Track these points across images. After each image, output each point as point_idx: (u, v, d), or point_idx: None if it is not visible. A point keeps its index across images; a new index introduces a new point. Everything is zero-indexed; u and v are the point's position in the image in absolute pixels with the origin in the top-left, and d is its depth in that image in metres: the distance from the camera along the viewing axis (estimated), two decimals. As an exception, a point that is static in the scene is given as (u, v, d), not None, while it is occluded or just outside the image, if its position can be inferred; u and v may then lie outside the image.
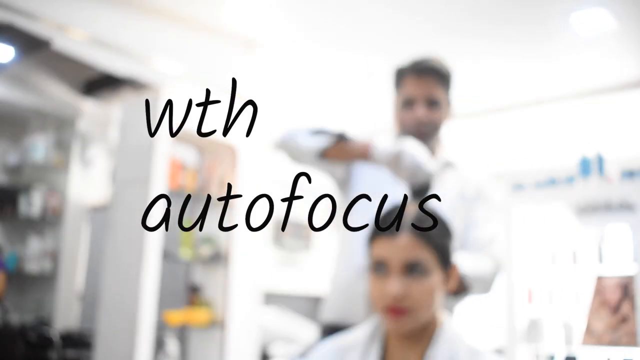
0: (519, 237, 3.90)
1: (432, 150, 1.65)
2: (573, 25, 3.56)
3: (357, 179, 1.65)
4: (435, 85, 1.60)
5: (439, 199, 1.34)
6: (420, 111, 1.59)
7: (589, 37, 3.70)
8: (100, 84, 4.85)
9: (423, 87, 1.59)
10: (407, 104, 1.61)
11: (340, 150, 1.50)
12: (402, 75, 1.63)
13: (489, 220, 1.62)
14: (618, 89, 4.34)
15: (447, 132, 1.72)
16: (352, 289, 1.51)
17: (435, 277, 1.06)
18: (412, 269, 1.04)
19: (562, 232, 3.92)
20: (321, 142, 1.51)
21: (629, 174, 3.57)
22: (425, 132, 1.62)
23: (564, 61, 4.09)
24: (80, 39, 3.37)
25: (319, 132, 1.52)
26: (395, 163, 1.38)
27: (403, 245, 1.05)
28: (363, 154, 1.46)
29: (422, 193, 1.35)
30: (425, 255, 1.05)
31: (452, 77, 1.64)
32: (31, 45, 4.06)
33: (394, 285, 1.03)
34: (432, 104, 1.60)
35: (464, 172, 1.67)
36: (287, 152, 1.59)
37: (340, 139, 1.50)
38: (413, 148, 1.38)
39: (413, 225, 1.07)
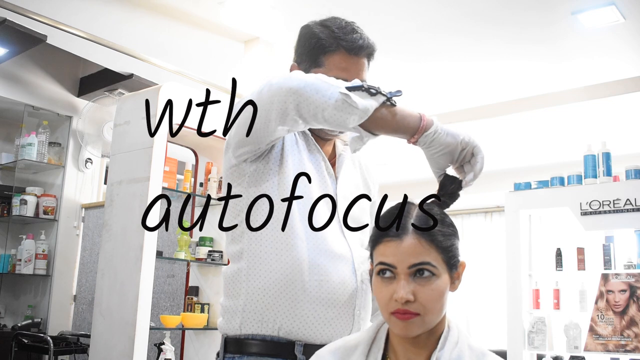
0: (524, 239, 3.86)
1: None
2: (579, 23, 3.52)
3: (289, 162, 1.34)
4: (365, 69, 1.38)
5: (439, 199, 1.13)
6: None
7: (595, 35, 3.67)
8: (96, 82, 4.81)
9: (358, 70, 1.36)
10: None
11: (388, 119, 1.15)
12: (327, 51, 1.36)
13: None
14: (624, 87, 4.31)
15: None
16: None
17: (443, 279, 1.04)
18: (419, 272, 1.02)
19: (567, 233, 3.88)
20: (370, 103, 1.13)
21: (636, 173, 3.53)
22: None
23: (570, 59, 4.06)
24: (76, 36, 3.31)
25: (356, 87, 1.13)
26: (459, 155, 1.15)
27: (409, 248, 1.02)
28: (415, 128, 1.14)
29: (451, 198, 1.15)
30: (432, 258, 1.03)
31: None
32: (26, 43, 4.01)
33: (402, 289, 1.01)
34: None
35: (362, 158, 1.55)
36: (305, 106, 1.14)
37: (391, 100, 1.15)
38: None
39: (418, 227, 1.04)
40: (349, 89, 1.13)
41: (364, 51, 1.38)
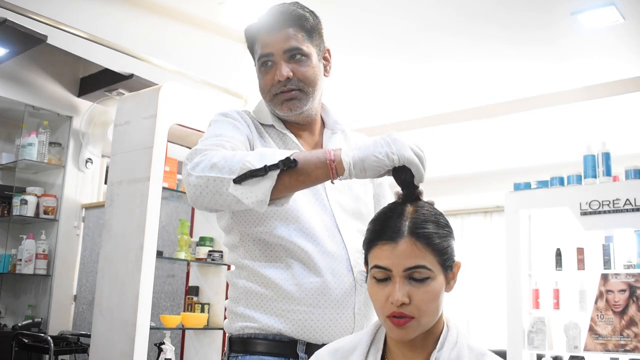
0: (524, 239, 3.86)
1: (314, 118, 1.44)
2: (579, 23, 3.52)
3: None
4: (291, 37, 1.34)
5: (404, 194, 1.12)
6: (282, 69, 1.33)
7: (595, 35, 3.67)
8: (96, 82, 4.81)
9: (277, 40, 1.34)
10: (264, 66, 1.36)
11: (294, 182, 1.14)
12: (253, 36, 1.38)
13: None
14: (624, 88, 4.31)
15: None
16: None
17: (438, 281, 1.04)
18: (414, 274, 1.02)
19: (567, 233, 3.88)
20: (264, 185, 1.12)
21: (635, 173, 3.53)
22: (296, 96, 1.35)
23: (570, 59, 4.06)
24: (76, 37, 3.31)
25: (244, 177, 1.12)
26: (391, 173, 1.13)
27: (405, 251, 1.02)
28: (327, 175, 1.13)
29: (409, 187, 1.11)
30: (428, 260, 1.03)
31: (312, 21, 1.39)
32: (26, 43, 4.00)
33: (398, 292, 1.01)
34: (294, 57, 1.34)
35: (353, 137, 1.53)
36: (212, 206, 1.19)
37: (290, 164, 1.12)
38: (417, 152, 1.12)
39: (413, 229, 1.04)
40: (238, 180, 1.12)
41: (277, 23, 1.36)
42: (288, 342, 1.28)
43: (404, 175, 1.11)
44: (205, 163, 1.17)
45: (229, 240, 1.39)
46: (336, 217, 1.36)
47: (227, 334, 1.37)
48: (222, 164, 1.15)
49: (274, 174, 1.11)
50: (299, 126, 1.44)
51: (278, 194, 1.14)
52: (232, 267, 1.39)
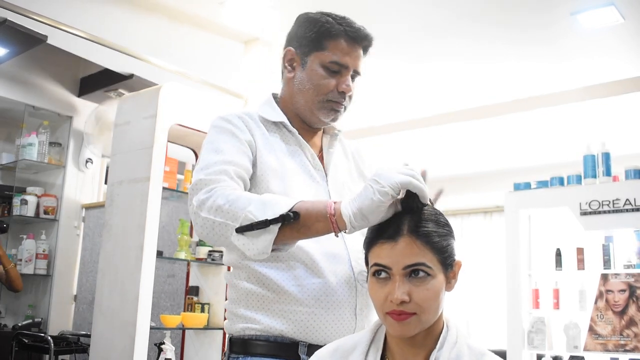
0: (524, 239, 3.86)
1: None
2: (579, 23, 3.52)
3: (264, 168, 1.36)
4: (361, 58, 1.42)
5: (432, 202, 1.11)
6: (348, 81, 1.39)
7: (594, 36, 3.67)
8: (96, 82, 4.81)
9: (355, 58, 1.40)
10: (331, 70, 1.38)
11: (295, 235, 1.15)
12: (331, 35, 1.38)
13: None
14: (624, 88, 4.31)
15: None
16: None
17: (438, 279, 1.04)
18: (414, 273, 1.03)
19: (567, 233, 3.88)
20: (265, 239, 1.13)
21: (635, 173, 3.53)
22: (343, 107, 1.42)
23: (570, 60, 4.06)
24: (76, 37, 3.31)
25: (246, 228, 1.14)
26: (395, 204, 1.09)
27: (404, 249, 1.03)
28: (328, 229, 1.13)
29: (419, 211, 1.08)
30: (427, 258, 1.03)
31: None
32: (27, 43, 4.01)
33: (398, 290, 1.01)
34: (354, 77, 1.42)
35: (347, 140, 1.57)
36: (209, 239, 1.22)
37: (290, 219, 1.12)
38: (418, 176, 1.08)
39: (412, 228, 1.04)
40: (240, 230, 1.14)
41: (364, 41, 1.41)
42: (289, 343, 1.28)
43: (413, 202, 1.08)
44: (210, 203, 1.19)
45: (230, 258, 1.38)
46: None
47: (227, 335, 1.36)
48: (227, 208, 1.17)
49: (275, 228, 1.12)
50: (307, 128, 1.46)
51: (279, 243, 1.15)
52: (232, 269, 1.38)
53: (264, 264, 1.30)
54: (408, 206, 1.08)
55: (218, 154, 1.30)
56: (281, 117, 1.42)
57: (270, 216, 1.12)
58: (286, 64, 1.44)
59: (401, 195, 1.09)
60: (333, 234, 1.14)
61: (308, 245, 1.29)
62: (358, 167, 1.54)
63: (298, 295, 1.28)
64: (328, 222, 1.12)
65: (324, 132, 1.51)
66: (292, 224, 1.13)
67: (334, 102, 1.40)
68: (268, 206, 1.14)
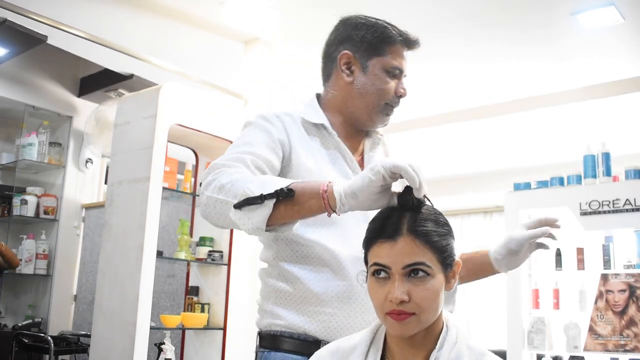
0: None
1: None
2: (578, 23, 3.52)
3: (298, 168, 1.37)
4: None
5: (429, 200, 1.10)
6: (404, 85, 1.47)
7: (594, 36, 3.67)
8: (96, 82, 4.81)
9: (406, 62, 1.47)
10: (391, 74, 1.44)
11: (289, 212, 1.15)
12: (391, 41, 1.43)
13: None
14: (624, 88, 4.31)
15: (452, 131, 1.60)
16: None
17: (438, 279, 1.04)
18: (413, 272, 1.02)
19: (567, 233, 3.87)
20: (260, 213, 1.13)
21: (635, 173, 3.53)
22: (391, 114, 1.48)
23: (570, 60, 4.06)
24: (76, 37, 3.31)
25: (243, 203, 1.14)
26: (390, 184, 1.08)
27: (404, 249, 1.02)
28: (321, 207, 1.12)
29: (418, 209, 1.08)
30: (427, 258, 1.03)
31: None
32: (27, 43, 4.01)
33: (397, 290, 1.01)
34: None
35: (386, 142, 1.60)
36: (219, 224, 1.24)
37: (285, 194, 1.13)
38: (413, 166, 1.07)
39: (412, 227, 1.04)
40: (238, 205, 1.15)
41: (416, 45, 1.48)
42: (312, 342, 1.30)
43: (408, 197, 1.07)
44: (215, 183, 1.21)
45: (263, 238, 1.41)
46: None
47: (257, 330, 1.41)
48: (229, 187, 1.18)
49: (270, 203, 1.12)
50: (350, 132, 1.47)
51: (275, 222, 1.15)
52: (265, 265, 1.42)
53: (294, 264, 1.33)
54: (404, 200, 1.07)
55: (243, 145, 1.32)
56: (322, 119, 1.43)
57: (266, 191, 1.12)
58: (343, 67, 1.44)
59: (400, 190, 1.08)
60: (327, 214, 1.13)
61: (336, 249, 1.31)
62: None
63: (322, 296, 1.30)
64: (320, 199, 1.11)
65: (366, 135, 1.51)
66: (287, 201, 1.12)
67: (390, 106, 1.45)
68: (267, 184, 1.14)
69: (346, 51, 1.44)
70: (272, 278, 1.36)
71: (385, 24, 1.46)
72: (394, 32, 1.44)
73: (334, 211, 1.12)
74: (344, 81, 1.44)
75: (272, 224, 1.15)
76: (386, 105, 1.43)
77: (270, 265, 1.38)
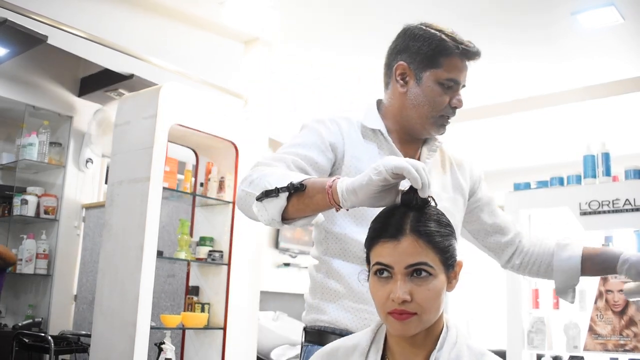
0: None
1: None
2: (579, 23, 3.53)
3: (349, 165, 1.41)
4: (467, 70, 1.50)
5: (434, 200, 1.10)
6: (460, 96, 1.47)
7: (594, 36, 3.67)
8: (96, 82, 4.81)
9: (464, 73, 1.48)
10: (445, 86, 1.44)
11: (301, 205, 1.17)
12: (447, 53, 1.44)
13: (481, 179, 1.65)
14: (624, 88, 4.31)
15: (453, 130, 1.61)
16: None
17: (440, 279, 1.04)
18: (416, 272, 1.03)
19: (567, 233, 3.87)
20: (274, 207, 1.17)
21: (635, 173, 3.52)
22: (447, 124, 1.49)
23: (570, 60, 4.06)
24: (76, 37, 3.31)
25: (262, 196, 1.18)
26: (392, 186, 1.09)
27: (406, 249, 1.03)
28: (326, 202, 1.14)
29: (421, 209, 1.08)
30: (429, 258, 1.03)
31: None
32: (27, 43, 4.01)
33: (399, 289, 1.01)
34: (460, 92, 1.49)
35: (449, 149, 1.62)
36: (242, 211, 1.31)
37: (295, 188, 1.15)
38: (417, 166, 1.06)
39: (415, 227, 1.04)
40: (259, 197, 1.19)
41: (475, 57, 1.48)
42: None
43: (412, 197, 1.07)
44: (249, 178, 1.26)
45: (315, 235, 1.46)
46: None
47: (303, 325, 1.46)
48: (257, 181, 1.23)
49: (284, 196, 1.16)
50: (407, 139, 1.49)
51: (291, 215, 1.18)
52: (314, 261, 1.46)
53: (340, 260, 1.39)
54: (407, 200, 1.07)
55: (291, 146, 1.37)
56: (379, 124, 1.47)
57: (280, 185, 1.16)
58: (397, 78, 1.47)
59: (404, 188, 1.08)
60: (334, 209, 1.15)
61: None
62: (456, 179, 1.55)
63: (365, 294, 1.34)
64: (325, 194, 1.13)
65: (424, 142, 1.53)
66: (299, 195, 1.15)
67: (445, 117, 1.46)
68: (286, 178, 1.18)
69: (402, 62, 1.47)
70: (320, 273, 1.41)
71: (444, 36, 1.45)
72: (451, 44, 1.44)
73: (340, 206, 1.13)
74: (399, 91, 1.47)
75: (288, 217, 1.18)
76: (441, 116, 1.45)
77: (319, 262, 1.43)
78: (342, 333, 1.33)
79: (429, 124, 1.45)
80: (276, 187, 1.16)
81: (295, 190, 1.15)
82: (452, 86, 1.44)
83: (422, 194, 1.06)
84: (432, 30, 1.47)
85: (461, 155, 1.62)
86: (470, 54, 1.45)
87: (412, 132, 1.48)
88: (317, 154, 1.36)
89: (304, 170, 1.32)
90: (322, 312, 1.38)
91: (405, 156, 1.45)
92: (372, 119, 1.48)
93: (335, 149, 1.40)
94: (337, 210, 1.15)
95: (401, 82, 1.46)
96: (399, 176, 1.05)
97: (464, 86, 1.48)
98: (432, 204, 1.08)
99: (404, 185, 1.09)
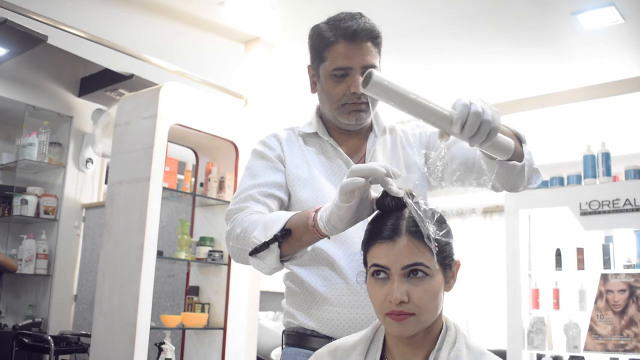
0: (524, 239, 3.86)
1: (366, 126, 1.49)
2: (579, 23, 3.53)
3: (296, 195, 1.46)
4: (369, 52, 1.39)
5: (411, 195, 1.07)
6: (357, 81, 1.36)
7: (595, 36, 3.67)
8: (97, 82, 4.82)
9: (358, 55, 1.37)
10: (337, 76, 1.38)
11: (294, 246, 1.20)
12: (328, 43, 1.38)
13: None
14: (624, 88, 4.31)
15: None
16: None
17: (437, 279, 1.04)
18: (413, 273, 1.03)
19: (567, 233, 3.88)
20: (270, 259, 1.22)
21: (635, 173, 3.53)
22: (364, 109, 1.42)
23: (570, 60, 4.06)
24: (77, 37, 3.31)
25: (255, 251, 1.22)
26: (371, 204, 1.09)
27: (403, 250, 1.02)
28: (313, 238, 1.18)
29: (398, 209, 1.07)
30: (426, 258, 1.03)
31: (381, 37, 1.45)
32: (27, 43, 4.01)
33: (396, 290, 1.01)
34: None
35: (401, 127, 1.56)
36: (239, 262, 1.36)
37: (283, 237, 1.19)
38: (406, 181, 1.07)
39: (410, 228, 1.04)
40: (251, 253, 1.24)
41: (361, 35, 1.39)
42: (324, 338, 1.35)
43: (386, 200, 1.07)
44: (233, 233, 1.32)
45: None
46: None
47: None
48: (242, 236, 1.28)
49: (274, 247, 1.21)
50: (347, 133, 1.48)
51: (287, 254, 1.23)
52: (285, 269, 1.49)
53: (299, 266, 1.41)
54: (383, 204, 1.07)
55: (249, 179, 1.42)
56: (314, 128, 1.49)
57: (267, 238, 1.21)
58: (310, 80, 1.50)
59: (377, 195, 1.09)
60: (327, 238, 1.19)
61: (330, 249, 1.37)
62: (408, 157, 1.51)
63: (325, 295, 1.36)
64: (312, 235, 1.17)
65: (372, 130, 1.52)
66: (288, 239, 1.20)
67: (351, 104, 1.41)
68: (268, 227, 1.22)
69: (309, 64, 1.49)
70: (288, 280, 1.45)
71: (325, 27, 1.41)
72: (327, 33, 1.39)
73: (329, 236, 1.18)
74: (315, 92, 1.50)
75: (284, 257, 1.23)
76: (343, 105, 1.41)
77: (287, 269, 1.45)
78: (312, 334, 1.37)
79: (338, 115, 1.43)
80: (264, 242, 1.21)
81: (282, 238, 1.20)
82: (344, 74, 1.38)
83: (392, 192, 1.05)
84: (319, 25, 1.44)
85: (407, 126, 1.56)
86: (350, 35, 1.37)
87: (338, 126, 1.48)
88: (273, 175, 1.42)
89: (272, 195, 1.38)
90: (292, 317, 1.42)
91: (350, 149, 1.47)
92: (308, 123, 1.52)
93: (282, 160, 1.45)
94: (329, 239, 1.20)
95: (312, 83, 1.50)
96: (359, 185, 1.04)
97: (374, 67, 1.39)
98: (409, 200, 1.04)
99: (379, 191, 1.09)
